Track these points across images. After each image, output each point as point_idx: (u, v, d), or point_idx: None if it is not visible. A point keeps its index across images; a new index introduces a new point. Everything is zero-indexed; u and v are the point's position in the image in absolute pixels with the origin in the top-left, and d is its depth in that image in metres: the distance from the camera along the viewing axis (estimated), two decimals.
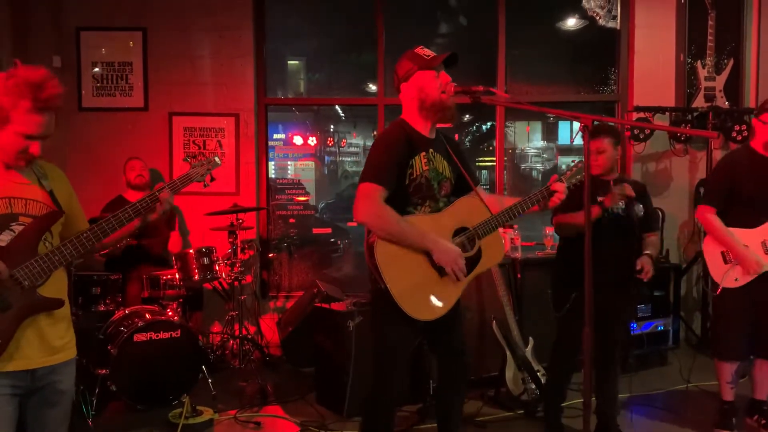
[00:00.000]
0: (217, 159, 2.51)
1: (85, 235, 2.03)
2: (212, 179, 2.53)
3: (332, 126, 7.06)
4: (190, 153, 5.42)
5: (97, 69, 5.50)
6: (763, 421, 3.62)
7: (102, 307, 4.25)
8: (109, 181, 5.19)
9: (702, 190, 5.21)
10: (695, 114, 5.44)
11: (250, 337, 5.03)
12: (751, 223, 3.45)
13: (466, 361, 2.83)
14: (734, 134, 5.24)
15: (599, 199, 3.17)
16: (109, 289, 4.29)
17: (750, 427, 3.65)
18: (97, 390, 3.83)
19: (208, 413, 3.81)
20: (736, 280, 3.46)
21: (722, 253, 3.51)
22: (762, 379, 3.65)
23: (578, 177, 2.73)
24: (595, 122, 3.20)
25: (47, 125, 1.94)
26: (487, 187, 6.48)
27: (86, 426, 3.62)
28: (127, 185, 4.92)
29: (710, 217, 3.52)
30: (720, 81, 5.47)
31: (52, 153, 5.13)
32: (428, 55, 2.59)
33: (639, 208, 3.34)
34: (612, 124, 3.64)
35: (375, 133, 6.53)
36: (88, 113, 5.50)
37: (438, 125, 2.71)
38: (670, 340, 5.01)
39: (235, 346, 4.87)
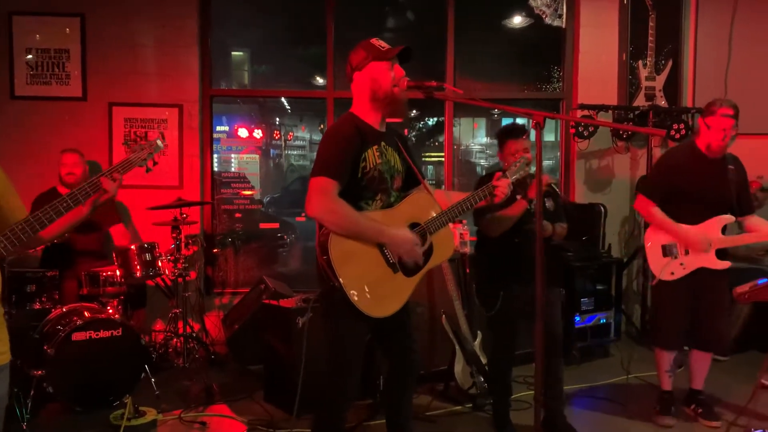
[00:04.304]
0: (159, 142, 2.37)
1: (20, 226, 1.90)
2: (155, 163, 2.39)
3: (278, 119, 6.94)
4: (130, 139, 5.23)
5: (30, 56, 5.25)
6: (699, 410, 3.75)
7: (37, 305, 4.09)
8: (44, 173, 4.96)
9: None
10: (636, 112, 5.60)
11: (194, 335, 4.91)
12: (693, 220, 3.57)
13: (414, 357, 2.82)
14: (673, 132, 5.41)
15: (518, 196, 3.26)
16: (45, 286, 4.12)
17: (687, 416, 3.79)
18: (32, 392, 3.66)
19: (151, 414, 3.71)
20: (672, 273, 3.60)
21: (663, 246, 3.63)
22: (698, 368, 3.79)
23: (521, 172, 2.86)
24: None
25: None
26: (433, 182, 6.52)
27: (21, 430, 3.46)
28: (59, 180, 4.69)
29: (649, 207, 3.64)
30: (660, 81, 5.64)
31: None
32: (383, 47, 2.56)
33: (549, 203, 3.50)
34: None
35: (322, 126, 6.46)
36: (21, 102, 5.26)
37: (388, 119, 2.70)
38: (612, 333, 5.14)
39: (179, 345, 4.74)
